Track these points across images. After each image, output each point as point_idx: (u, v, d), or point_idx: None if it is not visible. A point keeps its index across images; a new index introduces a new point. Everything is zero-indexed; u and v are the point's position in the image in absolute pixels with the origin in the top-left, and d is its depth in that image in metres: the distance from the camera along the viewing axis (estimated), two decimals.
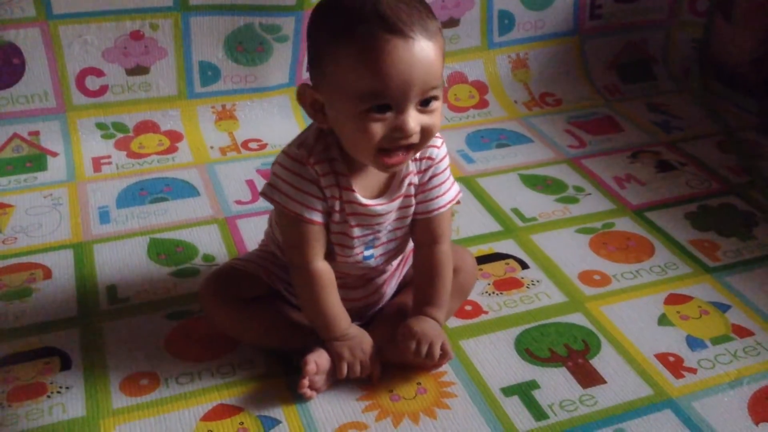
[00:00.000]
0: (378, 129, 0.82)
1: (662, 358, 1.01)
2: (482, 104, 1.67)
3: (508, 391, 0.96)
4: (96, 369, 0.98)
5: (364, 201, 0.91)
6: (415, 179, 0.94)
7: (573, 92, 1.73)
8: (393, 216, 0.94)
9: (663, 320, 1.08)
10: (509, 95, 1.70)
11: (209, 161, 1.46)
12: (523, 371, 0.99)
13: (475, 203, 1.34)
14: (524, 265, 1.19)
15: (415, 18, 0.80)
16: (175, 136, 1.51)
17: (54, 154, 1.43)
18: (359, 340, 0.94)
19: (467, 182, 1.40)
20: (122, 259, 1.18)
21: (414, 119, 0.82)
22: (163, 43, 1.46)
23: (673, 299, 1.12)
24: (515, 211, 1.32)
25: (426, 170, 0.94)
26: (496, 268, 1.18)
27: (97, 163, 1.43)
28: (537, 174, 1.44)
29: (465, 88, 1.68)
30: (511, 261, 1.20)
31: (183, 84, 1.52)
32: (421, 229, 0.97)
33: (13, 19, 1.37)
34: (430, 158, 0.94)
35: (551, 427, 0.91)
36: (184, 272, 1.16)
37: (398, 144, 0.83)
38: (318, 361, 0.93)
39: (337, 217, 0.91)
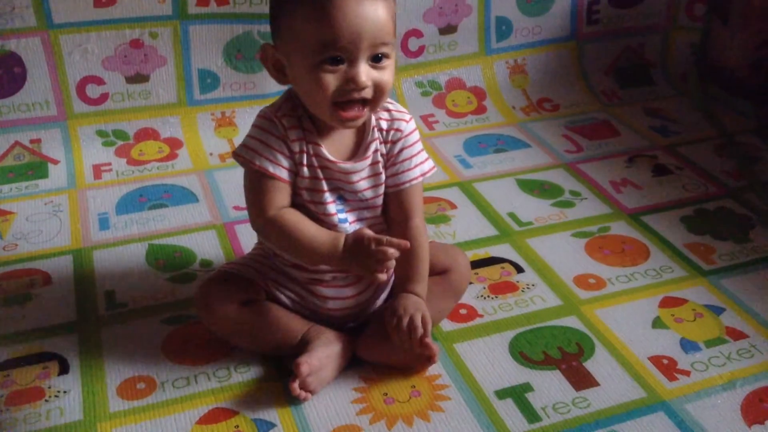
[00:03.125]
0: (331, 80, 0.87)
1: (656, 360, 1.02)
2: (480, 110, 1.68)
3: (501, 394, 0.96)
4: (94, 373, 0.99)
5: (332, 158, 0.94)
6: (383, 148, 0.97)
7: (571, 97, 1.74)
8: (363, 181, 0.96)
9: (657, 323, 1.08)
10: (507, 101, 1.70)
11: (208, 167, 1.48)
12: (517, 374, 0.99)
13: (471, 207, 1.35)
14: (520, 269, 1.19)
15: None
16: (175, 143, 1.53)
17: (55, 162, 1.45)
18: (356, 242, 0.90)
19: (464, 187, 1.41)
20: (121, 264, 1.19)
21: (365, 73, 0.87)
22: (163, 51, 1.48)
23: (667, 302, 1.13)
24: (511, 215, 1.33)
25: (395, 142, 0.97)
26: (492, 272, 1.18)
27: (98, 170, 1.45)
28: (534, 179, 1.45)
29: (463, 94, 1.69)
30: (506, 265, 1.20)
31: (182, 91, 1.53)
32: (394, 204, 0.99)
33: (14, 28, 1.39)
34: (398, 130, 0.98)
35: (544, 430, 0.91)
36: (182, 277, 1.17)
37: (351, 96, 0.88)
38: (310, 362, 0.94)
39: (305, 171, 0.94)
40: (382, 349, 0.98)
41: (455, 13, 1.67)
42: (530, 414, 0.93)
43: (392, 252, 0.88)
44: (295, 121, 0.94)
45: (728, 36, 1.72)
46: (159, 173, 1.45)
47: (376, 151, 0.97)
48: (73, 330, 1.06)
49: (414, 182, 0.98)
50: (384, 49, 0.88)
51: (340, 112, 0.89)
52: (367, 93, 0.88)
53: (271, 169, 0.92)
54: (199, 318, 1.01)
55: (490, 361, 1.01)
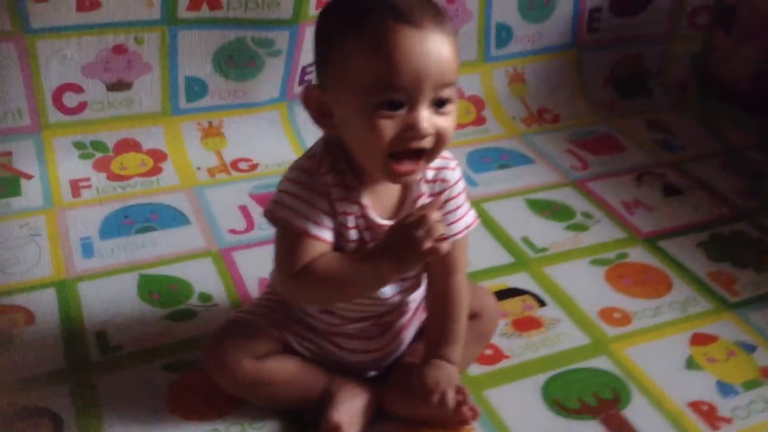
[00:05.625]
0: (388, 127, 0.75)
1: (695, 407, 0.97)
2: (480, 121, 1.61)
3: None
4: None
5: (379, 220, 0.84)
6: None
7: (570, 108, 1.68)
8: None
9: (691, 364, 1.03)
10: (507, 111, 1.64)
11: (197, 184, 1.37)
12: (554, 426, 0.93)
13: (483, 232, 1.27)
14: (541, 302, 1.13)
15: (429, 11, 0.76)
16: (158, 156, 1.42)
17: (28, 177, 1.32)
18: (392, 235, 0.79)
19: (474, 207, 1.33)
20: (111, 299, 1.09)
21: (427, 119, 0.76)
22: (148, 57, 1.36)
23: (698, 339, 1.08)
24: (525, 240, 1.26)
25: (440, 193, 0.87)
26: (514, 306, 1.12)
27: (76, 187, 1.33)
28: (543, 198, 1.38)
29: (462, 104, 1.62)
30: (527, 297, 1.14)
31: (167, 100, 1.42)
32: (435, 261, 0.89)
33: None
34: (444, 180, 0.88)
35: None
36: (180, 315, 1.07)
37: (410, 146, 0.77)
38: (340, 418, 0.86)
39: (353, 234, 0.83)
40: (409, 404, 0.90)
41: (455, 19, 1.58)
42: None
43: (431, 215, 0.77)
44: (338, 176, 0.82)
45: (731, 47, 1.68)
46: (143, 190, 1.34)
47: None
48: (64, 380, 0.95)
49: (458, 236, 0.89)
50: (448, 92, 0.76)
51: (394, 166, 0.77)
52: (427, 143, 0.76)
53: (314, 230, 0.81)
54: (209, 376, 0.90)
55: (525, 412, 0.95)
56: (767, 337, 1.08)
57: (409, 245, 0.77)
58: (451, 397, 0.86)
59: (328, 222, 0.82)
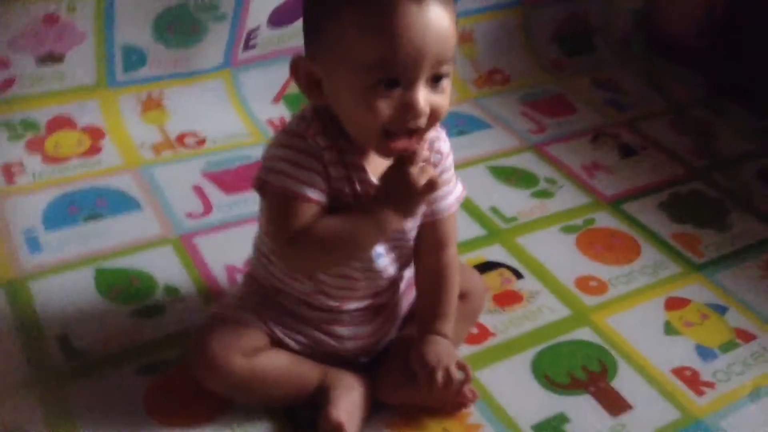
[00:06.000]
0: (384, 106, 0.72)
1: (679, 373, 0.98)
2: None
3: (539, 429, 0.89)
4: None
5: (376, 182, 0.80)
6: None
7: (519, 67, 1.66)
8: None
9: (669, 329, 1.05)
10: (458, 74, 1.60)
11: (143, 163, 1.28)
12: (548, 403, 0.92)
13: None
14: (518, 275, 1.12)
15: None
16: (95, 133, 1.31)
17: None
18: (385, 182, 0.77)
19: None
20: (68, 298, 1.00)
21: (424, 98, 0.72)
22: (82, 26, 1.23)
23: (672, 304, 1.09)
24: (494, 210, 1.25)
25: (436, 165, 0.84)
26: (492, 280, 1.10)
27: (8, 172, 1.21)
28: (505, 165, 1.36)
29: None
30: (504, 271, 1.12)
31: (103, 71, 1.30)
32: (428, 234, 0.87)
33: None
34: (439, 152, 0.85)
35: None
36: (147, 311, 0.99)
37: (405, 126, 0.73)
38: (339, 414, 0.82)
39: (349, 197, 0.80)
40: (406, 390, 0.87)
41: None
42: None
43: (422, 152, 0.75)
44: (330, 140, 0.78)
45: (674, 1, 1.69)
46: (85, 173, 1.24)
47: None
48: (31, 393, 0.87)
49: (452, 209, 0.87)
50: (446, 68, 0.73)
51: (389, 143, 0.74)
52: (423, 122, 0.74)
53: (309, 193, 0.76)
54: (195, 374, 0.85)
55: (518, 390, 0.94)
56: (736, 298, 1.11)
57: (405, 185, 0.75)
58: (455, 372, 0.84)
59: (322, 184, 0.78)
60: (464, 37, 1.64)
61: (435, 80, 0.73)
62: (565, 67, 1.70)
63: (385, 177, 0.77)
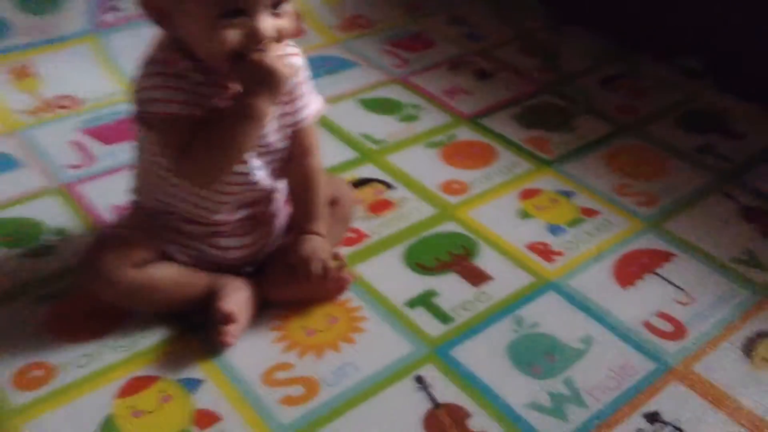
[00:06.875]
0: (231, 35, 0.79)
1: (533, 247, 1.11)
2: (297, 33, 1.65)
3: (412, 304, 1.00)
4: None
5: None
6: None
7: (381, 12, 1.76)
8: (272, 123, 0.91)
9: (523, 214, 1.18)
10: (323, 21, 1.69)
11: (21, 126, 1.31)
12: (419, 283, 1.04)
13: (325, 134, 1.34)
14: (389, 186, 1.22)
15: None
16: None
17: None
18: (238, 73, 0.83)
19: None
20: None
21: (267, 23, 0.80)
22: None
23: (525, 194, 1.22)
24: (365, 136, 1.35)
25: (291, 77, 0.91)
26: (366, 194, 1.20)
27: None
28: (374, 97, 1.47)
29: None
30: (376, 184, 1.23)
31: None
32: (294, 143, 0.96)
33: None
34: (291, 66, 0.91)
35: (459, 328, 0.97)
36: (39, 251, 1.05)
37: (253, 51, 0.81)
38: (237, 303, 0.92)
39: (222, 113, 0.86)
40: (290, 286, 0.97)
41: None
42: (442, 316, 0.99)
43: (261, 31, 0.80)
44: (193, 62, 0.84)
45: None
46: None
47: None
48: None
49: (310, 119, 0.95)
50: None
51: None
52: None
53: (185, 110, 0.82)
54: (89, 289, 0.91)
55: (392, 276, 1.04)
56: (581, 183, 1.25)
57: (261, 68, 0.81)
58: (330, 262, 0.93)
59: (197, 99, 0.84)
60: None
61: (275, 6, 0.81)
62: (422, 8, 1.81)
63: (241, 72, 0.83)
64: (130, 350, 0.91)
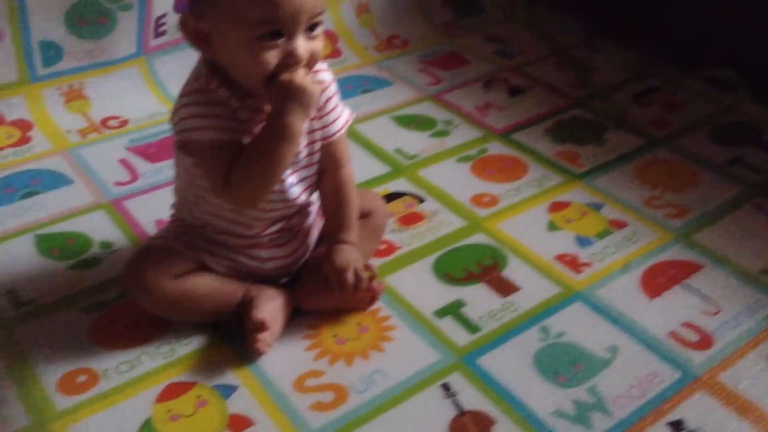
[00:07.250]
0: (271, 56, 0.84)
1: (561, 258, 1.13)
2: (336, 53, 1.70)
3: (440, 313, 1.03)
4: (24, 375, 0.92)
5: None
6: None
7: (416, 32, 1.80)
8: (304, 139, 0.95)
9: (552, 226, 1.20)
10: (359, 42, 1.74)
11: (72, 146, 1.38)
12: (447, 293, 1.06)
13: (360, 149, 1.38)
14: (421, 200, 1.26)
15: None
16: (24, 126, 1.41)
17: None
18: (273, 93, 0.87)
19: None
20: (12, 261, 1.10)
21: (303, 45, 0.85)
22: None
23: (555, 207, 1.24)
24: (398, 151, 1.38)
25: (322, 92, 0.96)
26: (397, 207, 1.23)
27: None
28: (407, 114, 1.50)
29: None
30: (408, 198, 1.26)
31: (24, 68, 1.41)
32: (325, 156, 0.99)
33: None
34: (322, 82, 0.96)
35: (486, 337, 0.99)
36: (86, 263, 1.10)
37: (284, 70, 0.85)
38: (270, 312, 0.95)
39: None
40: (323, 296, 1.00)
41: None
42: (470, 326, 1.01)
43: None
44: (230, 89, 0.89)
45: None
46: (17, 160, 1.33)
47: None
48: None
49: (341, 132, 0.99)
50: (319, 18, 0.86)
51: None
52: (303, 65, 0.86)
53: (225, 137, 0.87)
54: (132, 299, 0.96)
55: (421, 287, 1.07)
56: (611, 196, 1.27)
57: (291, 87, 0.85)
58: (362, 272, 0.96)
59: (235, 125, 0.89)
60: (362, 9, 1.77)
61: (310, 29, 0.86)
62: (457, 27, 1.85)
63: (272, 91, 0.87)
64: (168, 357, 0.95)
